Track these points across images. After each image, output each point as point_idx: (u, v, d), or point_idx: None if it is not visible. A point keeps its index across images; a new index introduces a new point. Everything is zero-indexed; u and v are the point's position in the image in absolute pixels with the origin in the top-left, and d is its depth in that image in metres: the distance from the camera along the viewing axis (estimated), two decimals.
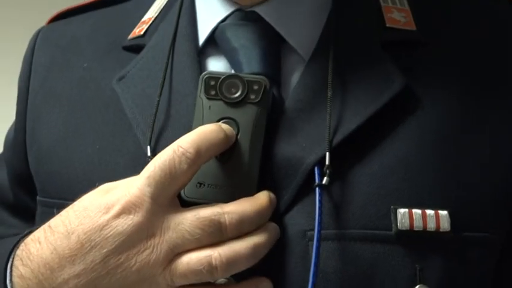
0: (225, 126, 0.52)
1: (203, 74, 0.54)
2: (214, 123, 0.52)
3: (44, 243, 0.51)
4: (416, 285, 0.51)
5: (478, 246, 0.53)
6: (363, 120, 0.54)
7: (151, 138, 0.56)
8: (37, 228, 0.53)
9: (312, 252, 0.51)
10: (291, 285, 0.51)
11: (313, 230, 0.51)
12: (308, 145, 0.54)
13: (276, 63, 0.59)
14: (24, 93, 0.68)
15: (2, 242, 0.60)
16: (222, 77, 0.53)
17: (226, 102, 0.53)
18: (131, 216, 0.48)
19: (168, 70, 0.60)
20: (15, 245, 0.55)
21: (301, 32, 0.60)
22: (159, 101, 0.58)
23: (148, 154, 0.56)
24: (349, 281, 0.51)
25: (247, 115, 0.53)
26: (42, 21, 0.74)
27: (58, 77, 0.66)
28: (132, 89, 0.61)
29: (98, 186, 0.52)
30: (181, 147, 0.49)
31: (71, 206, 0.52)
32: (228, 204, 0.50)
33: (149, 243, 0.48)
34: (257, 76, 0.54)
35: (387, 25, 0.59)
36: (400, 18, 0.60)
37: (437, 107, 0.56)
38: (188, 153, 0.49)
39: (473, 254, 0.53)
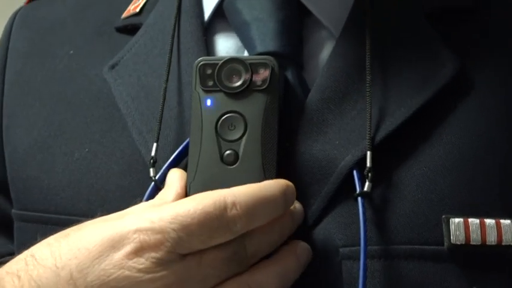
0: (290, 187, 0.42)
1: (197, 61, 0.45)
2: (277, 182, 0.42)
3: (24, 279, 0.40)
4: None
5: None
6: (409, 113, 0.45)
7: (158, 135, 0.47)
8: (12, 258, 0.43)
9: (345, 273, 0.43)
10: None
11: (347, 246, 0.43)
12: (342, 143, 0.45)
13: (296, 39, 0.50)
14: None
15: None
16: (220, 63, 0.44)
17: (227, 94, 0.44)
18: (142, 260, 0.38)
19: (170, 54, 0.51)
20: None
21: (329, 0, 0.50)
22: (165, 88, 0.48)
23: (153, 154, 0.46)
24: None
25: (254, 106, 0.44)
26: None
27: (39, 66, 0.57)
28: (127, 79, 0.51)
29: (100, 215, 0.43)
30: (237, 209, 0.39)
31: (63, 234, 0.41)
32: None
33: None
34: (262, 56, 0.45)
35: None
36: None
37: (495, 91, 0.47)
38: (238, 225, 0.39)
39: None
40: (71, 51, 0.56)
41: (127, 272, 0.38)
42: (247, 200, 0.40)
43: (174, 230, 0.38)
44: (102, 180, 0.49)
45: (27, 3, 0.63)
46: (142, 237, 0.38)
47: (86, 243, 0.39)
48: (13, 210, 0.55)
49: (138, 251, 0.38)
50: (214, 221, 0.39)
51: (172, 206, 0.40)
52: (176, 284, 0.38)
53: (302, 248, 0.42)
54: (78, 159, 0.50)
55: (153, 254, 0.38)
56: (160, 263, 0.38)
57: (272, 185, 0.41)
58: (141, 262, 0.38)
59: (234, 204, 0.39)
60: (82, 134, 0.51)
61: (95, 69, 0.54)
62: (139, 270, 0.38)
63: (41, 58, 0.57)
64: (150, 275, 0.38)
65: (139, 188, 0.47)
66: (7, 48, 0.60)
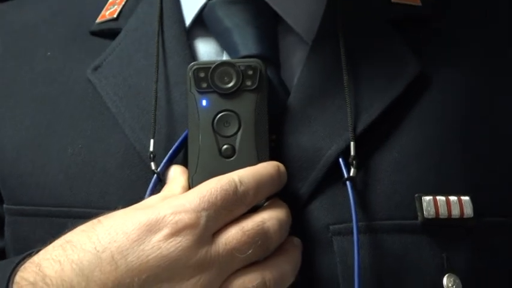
0: (281, 166, 0.48)
1: (190, 65, 0.49)
2: (270, 163, 0.47)
3: (65, 263, 0.41)
4: (444, 274, 0.49)
5: (501, 231, 0.51)
6: (383, 107, 0.51)
7: (154, 132, 0.50)
8: (41, 249, 0.44)
9: (336, 247, 0.48)
10: (318, 282, 0.48)
11: (336, 224, 0.48)
12: (327, 134, 0.50)
13: (274, 43, 0.54)
14: None
15: None
16: (213, 66, 0.48)
17: (220, 94, 0.48)
18: (179, 239, 0.41)
19: (155, 56, 0.54)
20: (14, 268, 0.44)
21: (300, 9, 0.55)
22: (156, 89, 0.51)
23: (151, 149, 0.49)
24: (379, 273, 0.48)
25: (246, 105, 0.48)
26: None
27: (16, 68, 0.57)
28: (111, 79, 0.54)
29: (120, 208, 0.45)
30: (244, 185, 0.44)
31: (96, 221, 0.43)
32: (264, 209, 0.45)
33: (196, 270, 0.42)
34: (250, 60, 0.49)
35: (392, 0, 0.57)
36: None
37: (451, 88, 0.54)
38: (248, 199, 0.45)
39: (497, 240, 0.51)
40: (48, 53, 0.57)
41: (165, 252, 0.41)
42: (250, 178, 0.45)
43: (204, 209, 0.42)
44: (100, 173, 0.51)
45: None
46: (179, 218, 0.41)
47: (123, 227, 0.42)
48: (5, 206, 0.55)
49: (175, 232, 0.41)
50: (232, 196, 0.43)
51: (194, 190, 0.44)
52: (209, 262, 0.42)
53: (297, 240, 0.47)
54: (72, 154, 0.52)
55: (190, 233, 0.41)
56: (196, 242, 0.41)
57: (266, 166, 0.47)
58: (178, 241, 0.41)
59: (241, 182, 0.44)
60: (72, 132, 0.53)
61: (75, 70, 0.55)
62: (176, 250, 0.41)
63: (18, 61, 0.58)
64: (186, 254, 0.41)
65: (138, 180, 0.50)
66: None
